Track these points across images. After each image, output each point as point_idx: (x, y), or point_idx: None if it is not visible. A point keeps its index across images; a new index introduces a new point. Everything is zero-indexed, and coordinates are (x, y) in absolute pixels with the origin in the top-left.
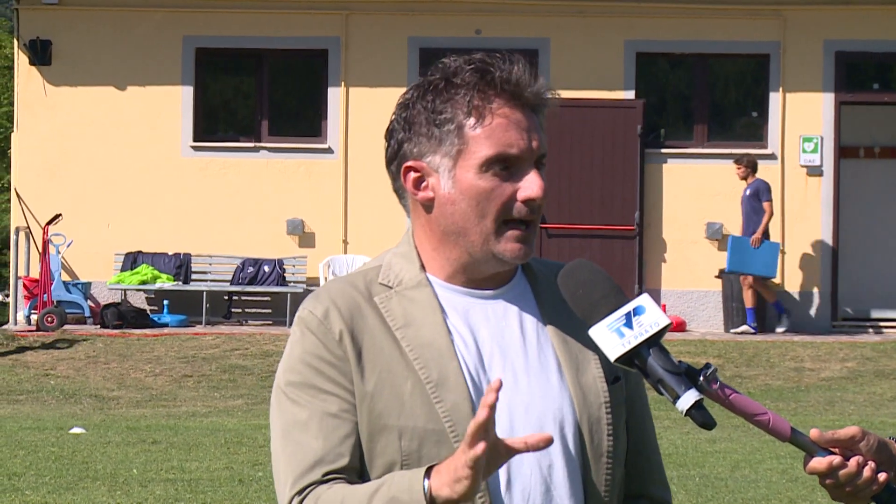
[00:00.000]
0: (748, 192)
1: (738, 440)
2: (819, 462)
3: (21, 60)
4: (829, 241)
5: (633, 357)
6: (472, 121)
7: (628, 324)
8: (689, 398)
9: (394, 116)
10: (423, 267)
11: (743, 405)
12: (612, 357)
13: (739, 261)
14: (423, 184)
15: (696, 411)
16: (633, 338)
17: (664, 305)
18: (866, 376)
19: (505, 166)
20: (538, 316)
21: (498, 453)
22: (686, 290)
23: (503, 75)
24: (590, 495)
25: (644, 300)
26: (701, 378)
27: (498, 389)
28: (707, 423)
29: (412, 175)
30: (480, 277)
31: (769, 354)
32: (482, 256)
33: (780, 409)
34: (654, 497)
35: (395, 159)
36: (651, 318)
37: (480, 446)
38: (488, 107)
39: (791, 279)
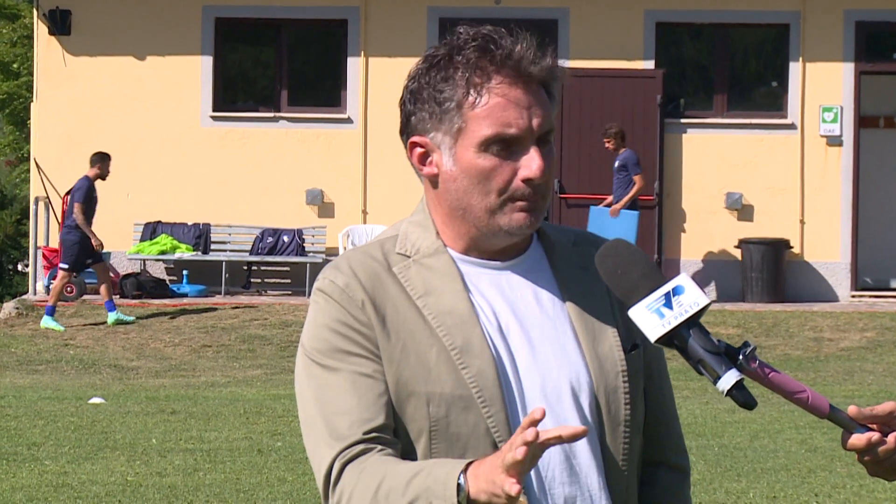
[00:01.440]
0: (616, 164)
1: (757, 410)
2: (858, 439)
3: (41, 30)
4: (849, 211)
5: (673, 337)
6: (470, 99)
7: (668, 304)
8: (729, 378)
9: (404, 88)
10: (438, 235)
11: (782, 383)
12: (652, 338)
13: (598, 230)
14: (429, 159)
15: (737, 391)
16: (674, 318)
17: None
18: (886, 346)
19: (505, 145)
20: (554, 285)
21: (534, 457)
22: (705, 259)
23: (503, 52)
24: (607, 463)
25: (683, 280)
26: (741, 357)
27: (538, 421)
28: (748, 402)
29: (417, 150)
30: (493, 250)
31: (788, 325)
32: (489, 231)
33: (798, 379)
34: (672, 464)
35: (405, 133)
36: (691, 298)
37: (521, 451)
38: (486, 85)
39: (811, 249)
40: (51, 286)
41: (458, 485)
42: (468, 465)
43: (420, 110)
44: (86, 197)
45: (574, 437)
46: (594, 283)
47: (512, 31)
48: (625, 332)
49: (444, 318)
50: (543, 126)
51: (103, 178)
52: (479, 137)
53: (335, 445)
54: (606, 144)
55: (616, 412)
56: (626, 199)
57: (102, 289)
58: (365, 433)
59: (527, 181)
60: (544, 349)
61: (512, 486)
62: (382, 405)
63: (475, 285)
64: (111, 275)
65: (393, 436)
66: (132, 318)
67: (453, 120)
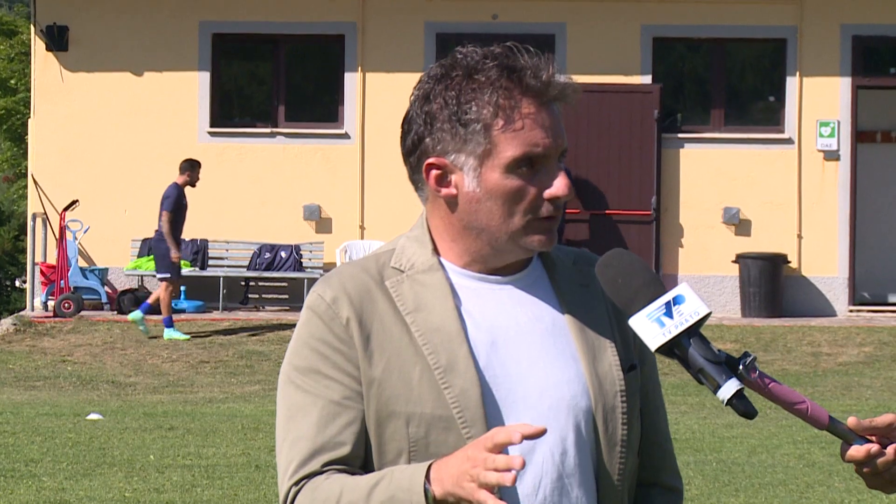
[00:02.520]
0: None
1: (755, 425)
2: (857, 450)
3: (38, 46)
4: (846, 225)
5: (674, 346)
6: (499, 121)
7: (668, 313)
8: (730, 388)
9: (412, 107)
10: (435, 251)
11: (782, 394)
12: (652, 347)
13: None
14: (447, 180)
15: (738, 401)
16: (674, 327)
17: None
18: (883, 361)
19: (530, 165)
20: (554, 302)
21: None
22: (703, 274)
23: (527, 71)
24: (602, 483)
25: (684, 289)
26: (741, 367)
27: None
28: (748, 412)
29: (434, 172)
30: (498, 266)
31: (786, 339)
32: (506, 248)
33: None
34: (666, 485)
35: (415, 153)
36: (691, 308)
37: (510, 477)
38: (515, 107)
39: (808, 264)
40: (48, 303)
41: (425, 489)
42: (429, 466)
43: (439, 131)
44: (174, 205)
45: (534, 436)
46: (594, 301)
47: (528, 51)
48: (623, 353)
49: (431, 336)
50: (564, 144)
51: (193, 185)
52: (508, 158)
53: (294, 474)
54: None
55: (613, 431)
56: None
57: (163, 304)
58: (324, 465)
59: (553, 199)
60: (544, 364)
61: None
62: (350, 435)
63: (473, 300)
64: (108, 291)
65: (359, 465)
66: (187, 336)
67: (479, 141)
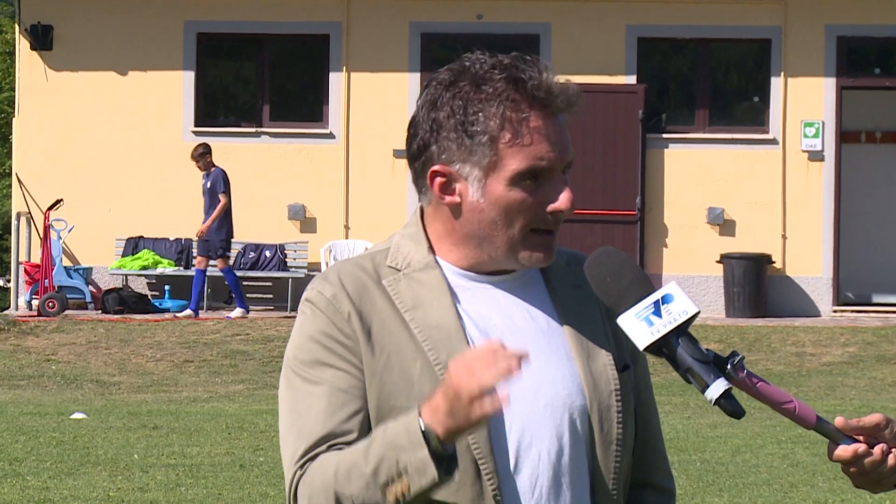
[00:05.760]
0: (207, 184)
1: (739, 425)
2: (844, 450)
3: (22, 45)
4: (831, 225)
5: (662, 345)
6: (506, 135)
7: (657, 312)
8: (718, 387)
9: (419, 112)
10: (431, 249)
11: (770, 393)
12: (641, 346)
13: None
14: (451, 188)
15: (726, 400)
16: (663, 326)
17: None
18: (867, 361)
19: (534, 177)
20: (549, 302)
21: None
22: (687, 274)
23: (535, 84)
24: (597, 482)
25: (672, 288)
26: (729, 366)
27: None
28: (736, 411)
29: (439, 179)
30: (494, 269)
31: (770, 339)
32: (504, 259)
33: None
34: (658, 486)
35: (420, 158)
36: (680, 307)
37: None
38: (522, 120)
39: (792, 264)
40: (32, 302)
41: (424, 431)
42: (419, 409)
43: (445, 139)
44: None
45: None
46: (587, 302)
47: (534, 60)
48: (616, 353)
49: (431, 333)
50: (570, 156)
51: None
52: (513, 171)
53: (302, 458)
54: (197, 165)
55: (608, 431)
56: (212, 218)
57: None
58: (331, 447)
59: (555, 212)
60: (538, 364)
61: (493, 402)
62: (357, 422)
63: (469, 299)
64: (93, 290)
65: None
66: None
67: (485, 153)
